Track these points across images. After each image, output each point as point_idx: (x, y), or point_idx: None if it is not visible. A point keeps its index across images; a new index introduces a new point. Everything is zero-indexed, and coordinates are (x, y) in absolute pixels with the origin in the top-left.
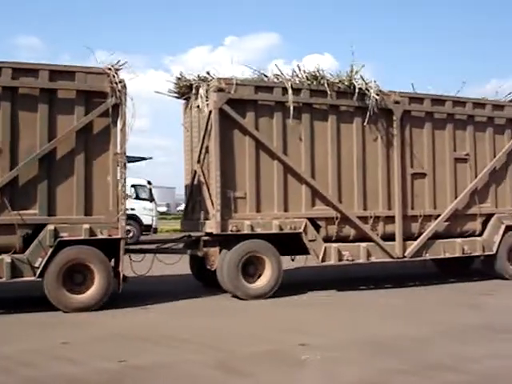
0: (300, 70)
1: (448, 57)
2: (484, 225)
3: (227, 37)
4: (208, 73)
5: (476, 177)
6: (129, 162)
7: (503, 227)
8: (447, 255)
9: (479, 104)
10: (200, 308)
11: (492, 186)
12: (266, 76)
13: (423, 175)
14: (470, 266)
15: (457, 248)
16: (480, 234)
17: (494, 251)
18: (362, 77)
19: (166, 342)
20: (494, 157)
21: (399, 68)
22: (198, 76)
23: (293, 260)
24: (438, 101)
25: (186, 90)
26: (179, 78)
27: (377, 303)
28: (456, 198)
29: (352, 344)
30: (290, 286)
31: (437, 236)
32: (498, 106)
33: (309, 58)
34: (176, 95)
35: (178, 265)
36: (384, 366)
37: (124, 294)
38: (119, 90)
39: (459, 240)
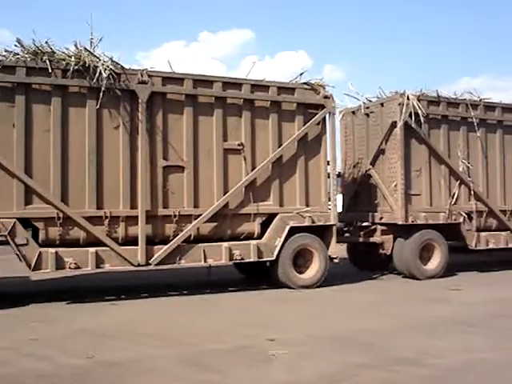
0: (21, 45)
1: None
2: (266, 226)
3: (201, 32)
4: None
5: (253, 170)
6: None
7: (287, 229)
8: (210, 261)
9: (261, 86)
10: (169, 303)
11: (276, 181)
12: None
13: (181, 168)
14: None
15: (223, 253)
16: (260, 237)
17: (274, 257)
18: (90, 51)
19: (134, 337)
20: (279, 147)
21: (373, 67)
22: None
23: None
24: (204, 82)
25: None
26: None
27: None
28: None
29: (319, 339)
30: None
31: (201, 239)
32: (287, 89)
33: (282, 55)
34: None
35: None
36: (350, 360)
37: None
38: None
39: (226, 244)
